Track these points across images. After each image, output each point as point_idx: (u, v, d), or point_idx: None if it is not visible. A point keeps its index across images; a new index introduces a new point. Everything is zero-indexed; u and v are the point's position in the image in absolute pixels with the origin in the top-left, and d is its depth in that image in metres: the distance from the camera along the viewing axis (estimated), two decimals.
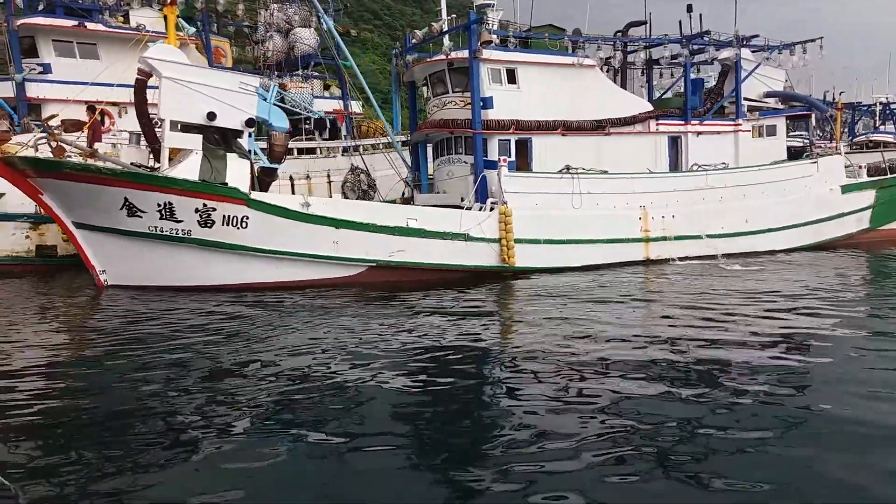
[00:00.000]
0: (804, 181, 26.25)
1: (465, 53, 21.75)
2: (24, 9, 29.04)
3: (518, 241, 21.14)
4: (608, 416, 8.32)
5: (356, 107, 36.40)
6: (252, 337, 13.20)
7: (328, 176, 32.48)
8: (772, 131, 26.95)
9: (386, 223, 20.07)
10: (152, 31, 28.42)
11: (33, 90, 28.02)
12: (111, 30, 29.14)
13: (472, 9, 22.36)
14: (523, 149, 22.55)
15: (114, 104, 25.67)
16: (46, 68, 28.42)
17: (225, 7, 34.16)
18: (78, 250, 19.10)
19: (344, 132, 34.91)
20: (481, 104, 21.69)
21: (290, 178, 30.75)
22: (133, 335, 13.44)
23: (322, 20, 25.14)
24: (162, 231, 18.59)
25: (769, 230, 25.45)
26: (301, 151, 33.55)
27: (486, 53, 21.58)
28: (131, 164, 18.99)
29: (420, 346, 12.25)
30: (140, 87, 19.00)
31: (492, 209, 21.14)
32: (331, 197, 27.73)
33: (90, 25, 28.93)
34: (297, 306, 16.73)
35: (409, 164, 25.50)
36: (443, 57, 22.37)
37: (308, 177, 31.99)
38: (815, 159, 26.99)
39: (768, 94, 27.28)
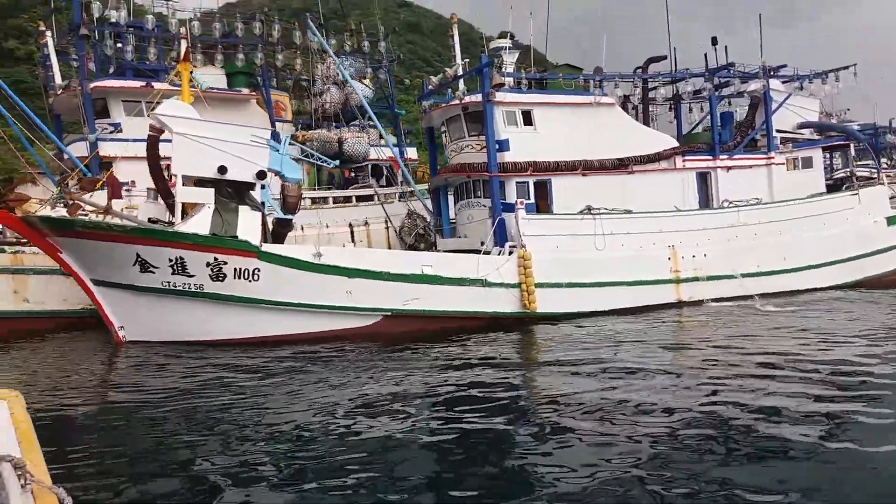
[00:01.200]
0: (844, 214, 22.11)
1: (479, 97, 18.96)
2: (96, 73, 28.00)
3: (539, 285, 18.19)
4: (648, 480, 6.83)
5: (412, 153, 33.89)
6: (265, 395, 11.53)
7: (386, 222, 29.85)
8: (808, 163, 22.91)
9: (400, 271, 17.46)
10: (214, 88, 27.13)
11: (106, 149, 26.69)
12: (176, 88, 27.62)
13: (484, 52, 19.42)
14: (543, 190, 19.57)
15: None
16: (117, 127, 27.22)
17: (283, 62, 32.50)
18: (97, 307, 17.06)
19: (400, 178, 32.33)
20: (497, 147, 18.91)
21: (350, 226, 28.24)
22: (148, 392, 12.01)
23: (345, 79, 22.75)
24: (175, 286, 16.52)
25: (808, 267, 21.44)
26: (359, 199, 31.04)
27: (500, 96, 18.82)
28: (148, 219, 16.96)
29: (438, 403, 10.34)
30: (152, 143, 17.05)
31: (510, 253, 18.18)
32: (389, 245, 25.08)
33: (156, 85, 27.53)
34: (310, 360, 14.48)
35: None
36: (457, 102, 19.56)
37: (367, 223, 29.43)
38: (855, 191, 22.63)
39: (802, 125, 23.25)
